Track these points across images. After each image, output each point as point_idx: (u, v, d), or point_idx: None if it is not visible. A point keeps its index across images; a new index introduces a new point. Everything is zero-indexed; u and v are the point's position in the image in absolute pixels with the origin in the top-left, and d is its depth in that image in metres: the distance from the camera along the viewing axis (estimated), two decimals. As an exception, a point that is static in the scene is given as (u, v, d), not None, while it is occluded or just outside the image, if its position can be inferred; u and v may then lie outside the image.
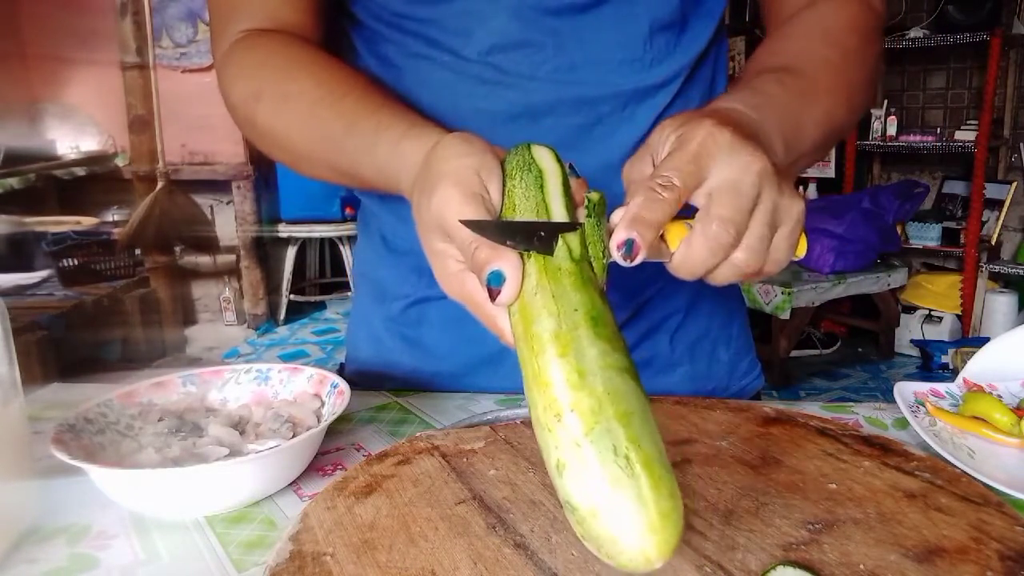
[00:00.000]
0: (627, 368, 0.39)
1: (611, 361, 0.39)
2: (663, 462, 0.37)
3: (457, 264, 0.47)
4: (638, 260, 0.42)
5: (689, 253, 0.44)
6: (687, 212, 0.45)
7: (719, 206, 0.43)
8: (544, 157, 0.47)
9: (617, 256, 0.43)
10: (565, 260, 0.43)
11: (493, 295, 0.42)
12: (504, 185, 0.47)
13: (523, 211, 0.45)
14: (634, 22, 0.67)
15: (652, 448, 0.37)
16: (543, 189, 0.45)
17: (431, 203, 0.46)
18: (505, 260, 0.42)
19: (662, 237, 0.45)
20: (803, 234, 0.48)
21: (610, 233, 0.44)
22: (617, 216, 0.44)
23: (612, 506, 0.35)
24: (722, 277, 0.46)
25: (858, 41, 0.66)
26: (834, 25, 0.66)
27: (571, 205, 0.46)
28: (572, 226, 0.44)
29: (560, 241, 0.43)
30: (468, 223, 0.43)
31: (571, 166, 0.49)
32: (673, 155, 0.45)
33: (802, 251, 0.48)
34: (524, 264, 0.43)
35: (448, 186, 0.45)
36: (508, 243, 0.42)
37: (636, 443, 0.36)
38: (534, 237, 0.43)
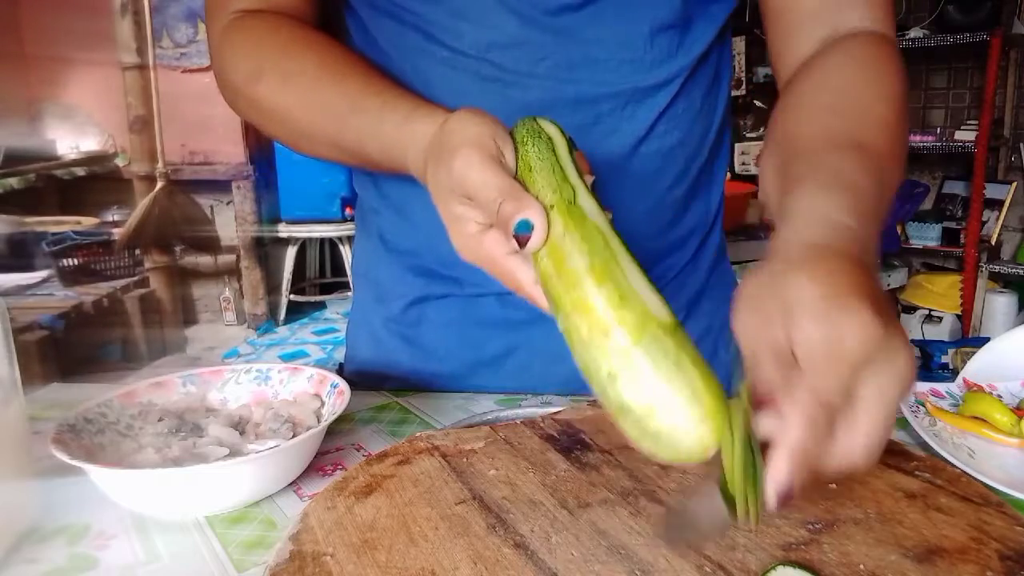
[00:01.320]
0: (659, 293, 0.43)
1: (645, 284, 0.43)
2: (705, 362, 0.41)
3: (476, 226, 0.49)
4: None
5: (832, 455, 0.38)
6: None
7: (865, 424, 0.38)
8: (550, 126, 0.51)
9: (771, 499, 0.37)
10: (591, 211, 0.46)
11: (522, 242, 0.45)
12: (517, 151, 0.49)
13: (538, 170, 0.48)
14: (634, 22, 0.67)
15: (694, 351, 0.41)
16: (555, 152, 0.49)
17: (452, 167, 0.48)
18: (532, 209, 0.45)
19: None
20: None
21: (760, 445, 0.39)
22: (767, 426, 0.38)
23: (670, 401, 0.39)
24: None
25: (899, 86, 0.61)
26: (875, 72, 0.60)
27: (579, 169, 0.48)
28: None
29: (582, 196, 0.46)
30: (665, 536, 0.43)
31: (571, 139, 0.51)
32: (830, 364, 0.37)
33: None
34: (549, 214, 0.46)
35: (469, 150, 0.47)
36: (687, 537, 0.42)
37: (682, 346, 0.41)
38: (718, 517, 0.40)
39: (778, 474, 0.36)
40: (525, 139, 0.50)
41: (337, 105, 0.62)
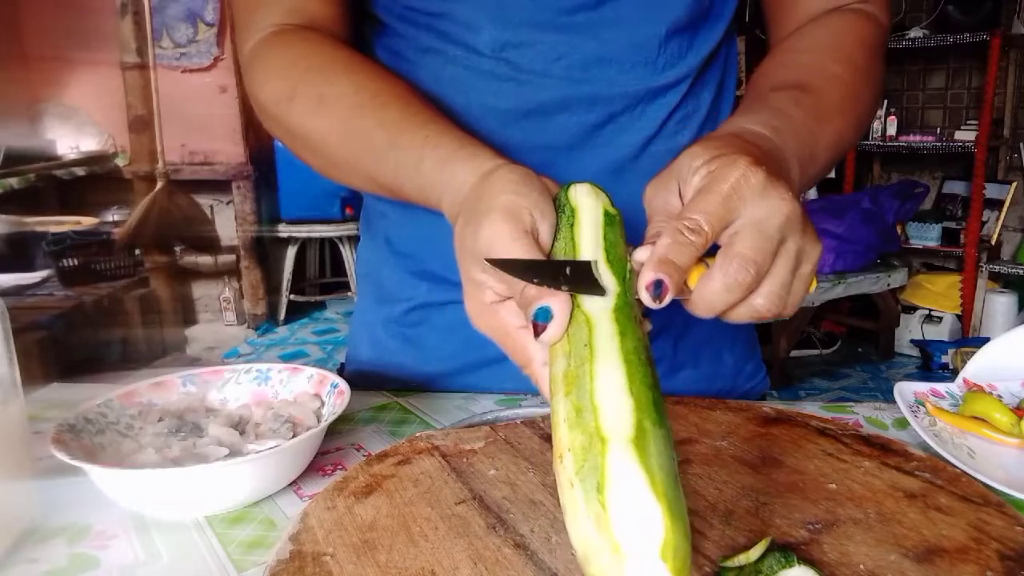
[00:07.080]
0: (644, 385, 0.38)
1: (614, 387, 0.38)
2: (665, 473, 0.35)
3: (493, 296, 0.46)
4: (666, 302, 0.41)
5: (707, 290, 0.43)
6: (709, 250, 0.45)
7: (741, 245, 0.43)
8: (578, 195, 0.47)
9: (646, 297, 0.41)
10: (586, 301, 0.43)
11: (538, 331, 0.42)
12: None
13: (557, 250, 0.45)
14: (651, 25, 0.67)
15: (655, 462, 0.35)
16: (572, 228, 0.46)
17: (479, 234, 0.45)
18: (555, 298, 0.42)
19: None
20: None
21: (635, 270, 0.44)
22: (642, 254, 0.44)
23: (596, 552, 0.34)
24: (739, 316, 0.44)
25: (867, 57, 0.66)
26: (844, 40, 0.66)
27: (611, 238, 0.46)
28: (586, 264, 0.43)
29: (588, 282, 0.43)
30: (493, 261, 0.42)
31: (608, 207, 0.48)
32: (703, 196, 0.44)
33: (812, 286, 0.47)
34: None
35: (499, 220, 0.44)
36: (534, 281, 0.42)
37: (634, 464, 0.35)
38: (559, 275, 0.42)
39: (646, 272, 0.41)
40: (556, 211, 0.47)
41: (375, 137, 0.58)
